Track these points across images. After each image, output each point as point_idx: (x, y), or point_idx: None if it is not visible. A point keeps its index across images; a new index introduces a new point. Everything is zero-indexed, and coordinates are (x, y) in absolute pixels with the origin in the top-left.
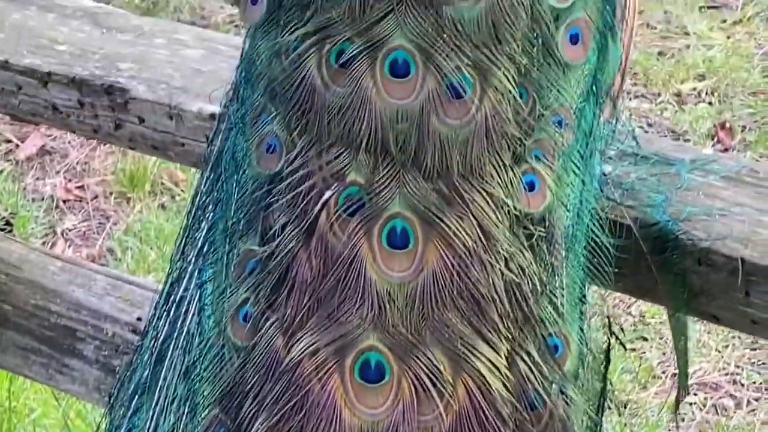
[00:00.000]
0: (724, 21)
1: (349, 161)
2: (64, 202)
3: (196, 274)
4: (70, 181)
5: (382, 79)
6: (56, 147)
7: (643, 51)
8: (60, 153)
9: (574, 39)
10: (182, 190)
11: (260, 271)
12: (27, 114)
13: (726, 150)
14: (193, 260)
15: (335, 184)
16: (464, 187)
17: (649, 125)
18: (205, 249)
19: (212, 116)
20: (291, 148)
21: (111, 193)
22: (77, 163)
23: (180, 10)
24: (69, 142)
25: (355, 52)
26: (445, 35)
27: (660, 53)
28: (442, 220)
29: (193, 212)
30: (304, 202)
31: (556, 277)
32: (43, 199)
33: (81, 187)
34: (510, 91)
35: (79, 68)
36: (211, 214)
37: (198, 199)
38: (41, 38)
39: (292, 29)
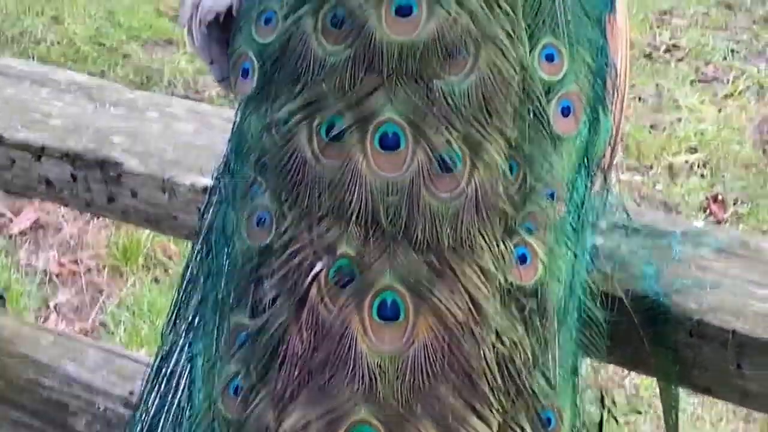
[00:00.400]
0: (716, 95)
1: (339, 234)
2: (57, 275)
3: (186, 347)
4: (63, 255)
5: (372, 153)
6: (50, 221)
7: (635, 124)
8: (53, 227)
9: (566, 112)
10: (175, 264)
11: (251, 344)
12: (20, 188)
13: (718, 223)
14: (183, 334)
15: (326, 257)
16: (455, 260)
17: (642, 198)
18: (195, 322)
19: (205, 189)
20: (281, 221)
21: (104, 267)
22: (70, 237)
23: (174, 84)
24: (62, 216)
25: (345, 125)
26: (435, 109)
27: (652, 126)
28: (433, 293)
29: (184, 286)
30: (295, 275)
31: (549, 350)
32: (36, 273)
33: (74, 261)
34: (500, 165)
35: (73, 142)
36: (202, 287)
37: (189, 272)
38: (35, 113)
39: (283, 103)
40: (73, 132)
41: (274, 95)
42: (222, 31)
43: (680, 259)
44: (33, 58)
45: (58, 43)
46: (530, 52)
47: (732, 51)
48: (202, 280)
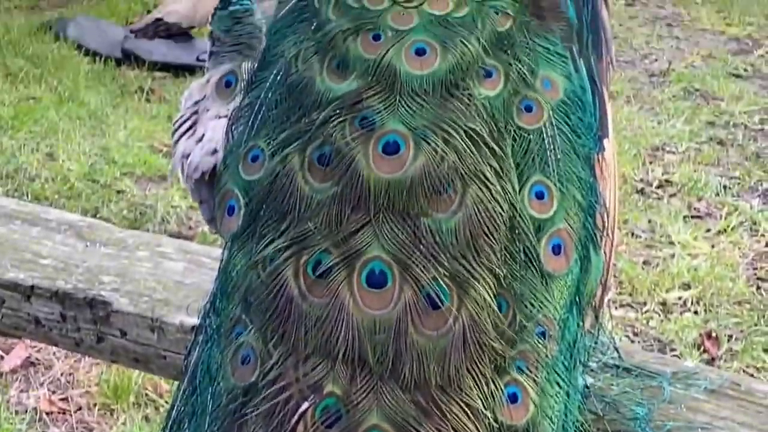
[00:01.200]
0: (708, 230)
1: (326, 372)
2: (48, 414)
3: None
4: (54, 393)
5: (359, 290)
6: (41, 358)
7: (627, 260)
8: (44, 364)
9: (557, 250)
10: (166, 402)
11: None
12: (9, 328)
13: (713, 359)
14: None
15: (312, 396)
16: (442, 399)
17: (635, 334)
18: None
19: (194, 329)
20: (266, 359)
21: (95, 405)
22: (61, 374)
23: (167, 220)
24: (54, 353)
25: (332, 263)
26: (422, 246)
27: (645, 262)
28: None
29: (169, 426)
30: (281, 413)
31: None
32: (26, 412)
33: (65, 399)
34: (489, 303)
35: (62, 282)
36: (187, 427)
37: (174, 413)
38: (25, 252)
39: (269, 240)
40: (63, 271)
41: (260, 233)
42: (210, 178)
43: (671, 400)
44: (27, 195)
45: (53, 180)
46: (520, 189)
47: (724, 187)
48: (186, 420)
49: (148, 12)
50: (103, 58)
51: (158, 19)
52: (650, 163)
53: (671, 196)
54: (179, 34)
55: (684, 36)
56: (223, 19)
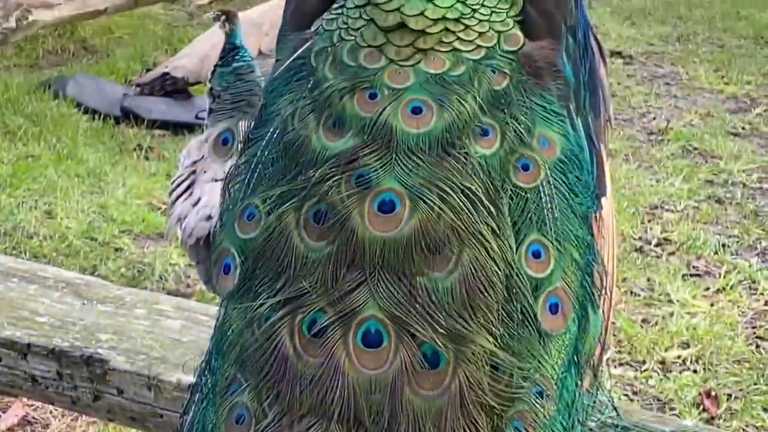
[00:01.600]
0: (707, 289)
1: None
2: None
3: None
4: None
5: (354, 350)
6: (37, 417)
7: (626, 318)
8: (41, 423)
9: (554, 309)
10: None
11: None
12: (6, 386)
13: (712, 418)
14: None
15: None
16: None
17: (634, 393)
18: None
19: (190, 387)
20: (261, 419)
21: None
22: None
23: (165, 278)
24: (50, 412)
25: (327, 322)
26: (418, 305)
27: (644, 320)
28: None
29: None
30: None
31: None
32: None
33: None
34: (486, 362)
35: (59, 339)
36: None
37: None
38: (22, 310)
39: (264, 299)
40: (60, 329)
41: (255, 291)
42: (205, 242)
43: None
44: (25, 252)
45: (51, 237)
46: (517, 248)
47: (723, 245)
48: None
49: (148, 70)
50: (102, 117)
51: (165, 74)
52: (649, 221)
53: (670, 254)
54: (185, 89)
55: (682, 95)
56: (224, 75)
